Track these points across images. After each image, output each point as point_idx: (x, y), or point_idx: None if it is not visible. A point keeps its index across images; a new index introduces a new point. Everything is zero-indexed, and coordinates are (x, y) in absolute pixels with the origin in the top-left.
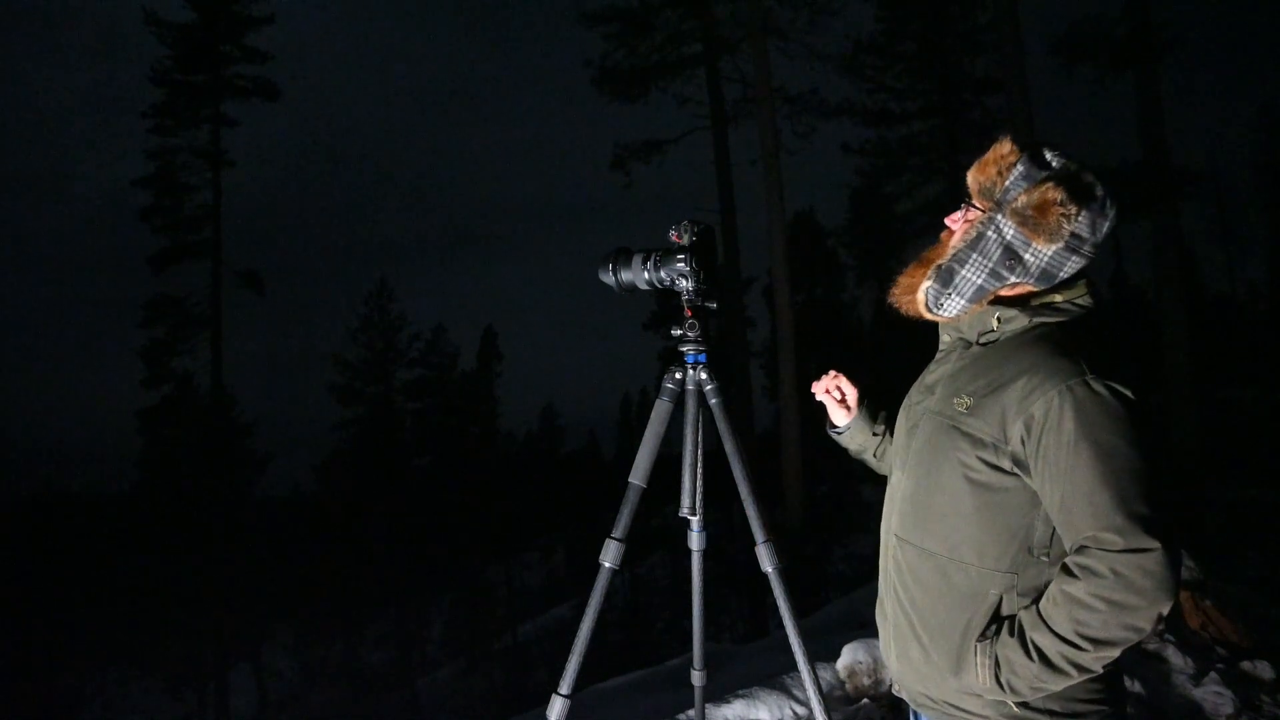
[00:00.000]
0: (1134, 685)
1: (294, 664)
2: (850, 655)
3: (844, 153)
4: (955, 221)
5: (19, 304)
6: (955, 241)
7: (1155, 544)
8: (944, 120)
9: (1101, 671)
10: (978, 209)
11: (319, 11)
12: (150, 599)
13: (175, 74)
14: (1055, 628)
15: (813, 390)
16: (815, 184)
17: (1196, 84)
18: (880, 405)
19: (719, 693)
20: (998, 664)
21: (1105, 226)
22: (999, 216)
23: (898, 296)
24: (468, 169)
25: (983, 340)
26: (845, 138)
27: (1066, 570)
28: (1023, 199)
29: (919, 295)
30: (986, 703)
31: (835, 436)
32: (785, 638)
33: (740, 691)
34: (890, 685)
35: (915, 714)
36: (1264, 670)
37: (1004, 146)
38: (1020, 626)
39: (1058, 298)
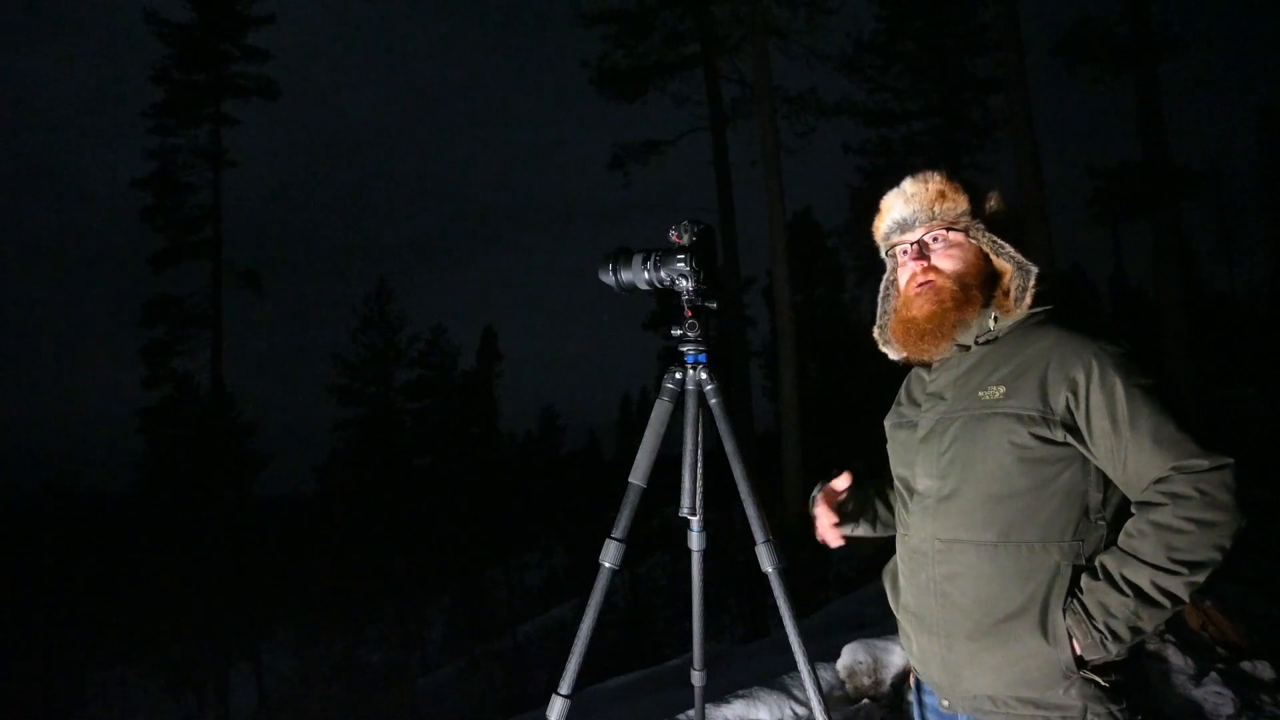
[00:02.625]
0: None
1: (294, 664)
2: (850, 655)
3: (844, 153)
4: (918, 261)
5: (20, 303)
6: (958, 266)
7: (1230, 459)
8: (944, 120)
9: (1187, 603)
10: (954, 234)
11: (320, 11)
12: (150, 599)
13: (176, 73)
14: (1146, 559)
15: (828, 539)
16: (815, 184)
17: (1196, 84)
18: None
19: (719, 693)
20: (1089, 613)
21: None
22: (987, 234)
23: (924, 342)
24: (468, 169)
25: (981, 340)
26: (845, 138)
27: (1147, 503)
28: (991, 205)
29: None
30: (1074, 683)
31: (853, 531)
32: (785, 638)
33: (740, 691)
34: (889, 685)
35: (921, 703)
36: (1264, 670)
37: (936, 180)
38: (1104, 568)
39: (1038, 287)
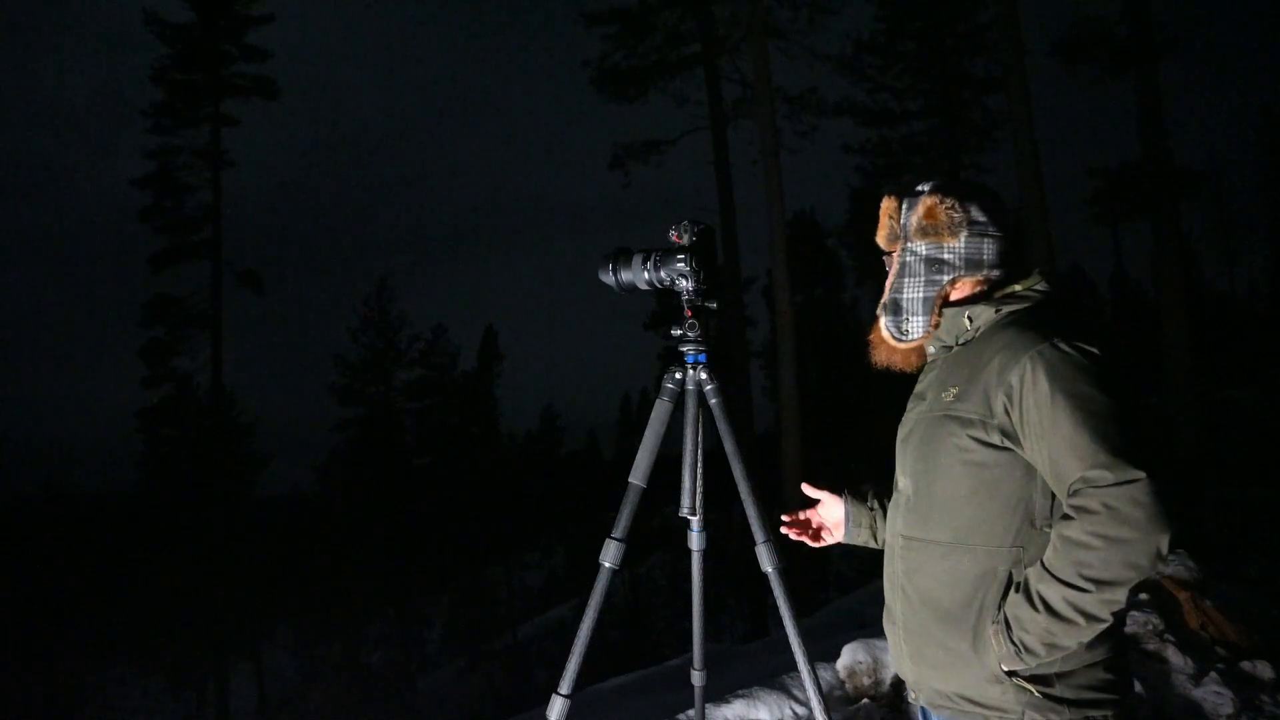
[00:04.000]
0: (1133, 689)
1: (294, 664)
2: (850, 655)
3: (844, 152)
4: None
5: (19, 304)
6: (888, 284)
7: (1140, 473)
8: (944, 120)
9: (1110, 620)
10: (893, 252)
11: (319, 10)
12: (150, 599)
13: (175, 73)
14: (1058, 574)
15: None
16: (815, 184)
17: (1196, 84)
18: (860, 485)
19: (719, 693)
20: (1008, 625)
21: (997, 206)
22: (908, 244)
23: (878, 352)
24: (468, 168)
25: (961, 341)
26: (845, 138)
27: (1063, 516)
28: (914, 219)
29: (883, 335)
30: (1008, 689)
31: (854, 539)
32: (785, 638)
33: (740, 691)
34: (889, 685)
35: (924, 712)
36: (1264, 670)
37: (886, 201)
38: (1025, 582)
39: (1018, 287)
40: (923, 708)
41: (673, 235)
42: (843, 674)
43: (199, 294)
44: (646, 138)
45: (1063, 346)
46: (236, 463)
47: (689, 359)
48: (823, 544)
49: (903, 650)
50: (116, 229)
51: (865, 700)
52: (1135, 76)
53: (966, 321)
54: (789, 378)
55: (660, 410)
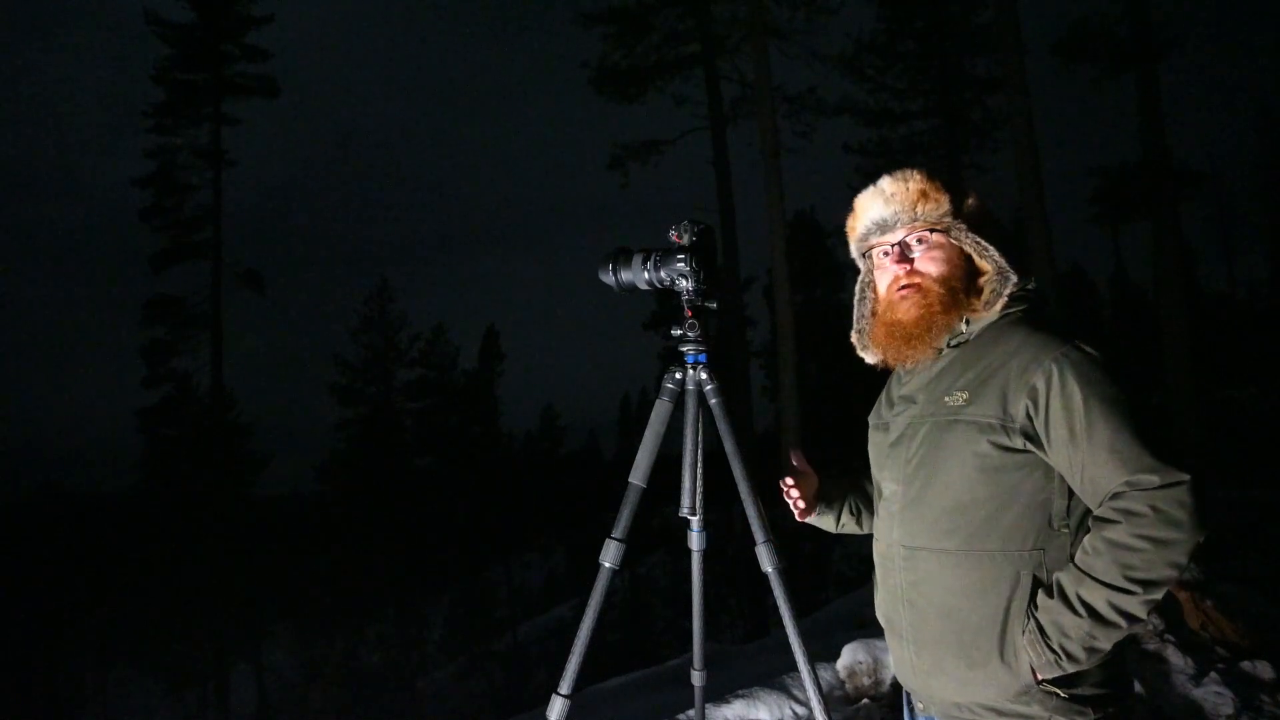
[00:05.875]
0: (1134, 685)
1: (294, 664)
2: (850, 655)
3: (844, 152)
4: (901, 264)
5: (20, 303)
6: (944, 269)
7: (1186, 476)
8: (944, 120)
9: (1145, 620)
10: (936, 236)
11: (320, 9)
12: (150, 599)
13: (176, 73)
14: (1101, 577)
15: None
16: (815, 184)
17: (1196, 84)
18: (837, 471)
19: (719, 693)
20: (1044, 633)
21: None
22: (969, 235)
23: (910, 346)
24: (469, 168)
25: (954, 343)
26: (845, 137)
27: (1102, 519)
28: (973, 213)
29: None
30: (1034, 697)
31: (819, 520)
32: (785, 638)
33: (740, 691)
34: (889, 685)
35: (910, 706)
36: (1264, 670)
37: (926, 181)
38: (1060, 587)
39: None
40: (912, 705)
41: (673, 235)
42: (843, 674)
43: (199, 294)
44: (646, 138)
45: (1087, 349)
46: (236, 463)
47: (689, 359)
48: (806, 518)
49: (913, 665)
50: (117, 229)
51: (865, 700)
52: (1135, 76)
53: (963, 324)
54: (789, 378)
55: (660, 410)
